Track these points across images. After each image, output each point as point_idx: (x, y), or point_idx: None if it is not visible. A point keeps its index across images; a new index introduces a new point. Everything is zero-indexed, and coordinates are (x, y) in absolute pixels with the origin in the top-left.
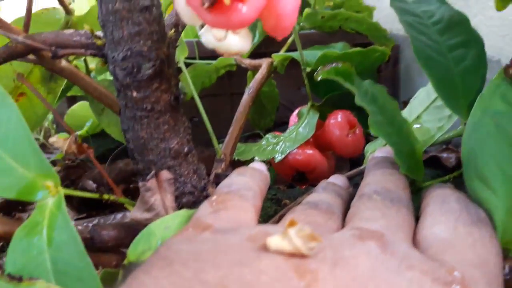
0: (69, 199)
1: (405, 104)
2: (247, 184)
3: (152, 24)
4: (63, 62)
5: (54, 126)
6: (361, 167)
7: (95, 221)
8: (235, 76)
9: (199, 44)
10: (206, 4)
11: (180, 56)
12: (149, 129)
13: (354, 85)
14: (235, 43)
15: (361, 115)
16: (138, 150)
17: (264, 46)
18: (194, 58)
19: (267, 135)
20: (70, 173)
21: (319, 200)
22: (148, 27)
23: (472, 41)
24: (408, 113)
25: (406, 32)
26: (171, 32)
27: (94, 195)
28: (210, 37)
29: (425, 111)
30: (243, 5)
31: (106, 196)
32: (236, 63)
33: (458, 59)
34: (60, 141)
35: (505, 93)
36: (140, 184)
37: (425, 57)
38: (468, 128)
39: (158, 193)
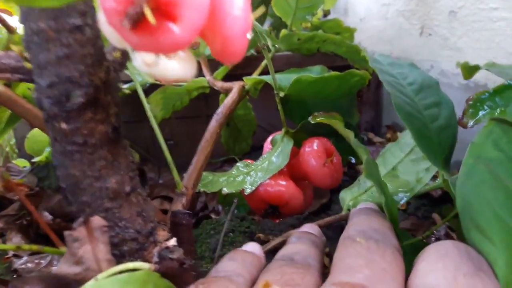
0: (25, 229)
1: (388, 128)
2: (237, 270)
3: (85, 46)
4: (0, 87)
5: (17, 150)
6: (340, 214)
7: (48, 258)
8: (211, 98)
9: None
10: (127, 24)
11: (149, 78)
12: (82, 165)
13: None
14: (172, 68)
15: (339, 142)
16: (70, 189)
17: (241, 67)
18: None
19: (237, 164)
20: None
21: (294, 252)
22: (79, 50)
23: (443, 103)
24: (382, 164)
25: (387, 89)
26: (116, 54)
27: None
28: (140, 61)
29: (400, 163)
30: (174, 25)
31: (25, 247)
32: (209, 85)
33: (432, 118)
34: None
35: (497, 140)
36: (66, 233)
37: (405, 113)
38: (461, 177)
39: (88, 243)
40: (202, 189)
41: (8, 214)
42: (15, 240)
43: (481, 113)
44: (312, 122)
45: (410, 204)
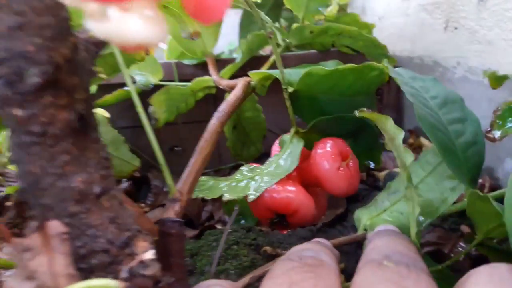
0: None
1: (410, 132)
2: None
3: (43, 15)
4: None
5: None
6: (356, 234)
7: None
8: (220, 101)
9: (179, 65)
10: None
11: (154, 78)
12: (41, 160)
13: None
14: (133, 27)
15: (356, 144)
16: (30, 190)
17: (250, 67)
18: (172, 81)
19: (241, 168)
20: (23, 209)
21: (303, 249)
22: (35, 19)
23: (468, 119)
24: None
25: (410, 99)
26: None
27: None
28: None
29: (421, 183)
30: None
31: None
32: (215, 85)
33: (458, 133)
34: None
35: None
36: (14, 241)
37: (429, 124)
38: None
39: (42, 254)
40: (200, 196)
41: (3, 222)
42: (6, 251)
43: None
44: (358, 116)
45: None
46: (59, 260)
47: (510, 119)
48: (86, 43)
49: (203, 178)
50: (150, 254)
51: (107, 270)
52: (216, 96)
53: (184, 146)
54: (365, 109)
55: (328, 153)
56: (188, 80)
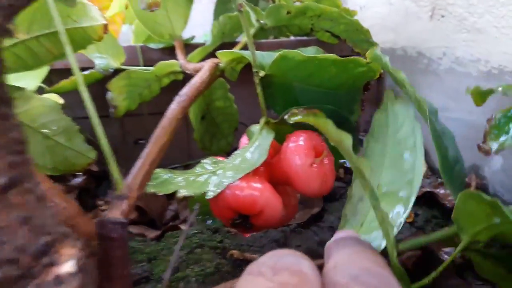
0: None
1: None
2: None
3: None
4: None
5: None
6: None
7: None
8: None
9: (145, 50)
10: None
11: (115, 62)
12: None
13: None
14: None
15: None
16: None
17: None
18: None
19: (203, 160)
20: None
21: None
22: None
23: (446, 133)
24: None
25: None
26: None
27: None
28: None
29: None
30: None
31: None
32: (182, 70)
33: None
34: None
35: None
36: None
37: (434, 129)
38: None
39: None
40: (151, 190)
41: None
42: None
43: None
44: (289, 122)
45: (419, 215)
46: None
47: (507, 128)
48: None
49: (157, 170)
50: (69, 266)
51: (16, 286)
52: (185, 84)
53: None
54: (296, 109)
55: (300, 148)
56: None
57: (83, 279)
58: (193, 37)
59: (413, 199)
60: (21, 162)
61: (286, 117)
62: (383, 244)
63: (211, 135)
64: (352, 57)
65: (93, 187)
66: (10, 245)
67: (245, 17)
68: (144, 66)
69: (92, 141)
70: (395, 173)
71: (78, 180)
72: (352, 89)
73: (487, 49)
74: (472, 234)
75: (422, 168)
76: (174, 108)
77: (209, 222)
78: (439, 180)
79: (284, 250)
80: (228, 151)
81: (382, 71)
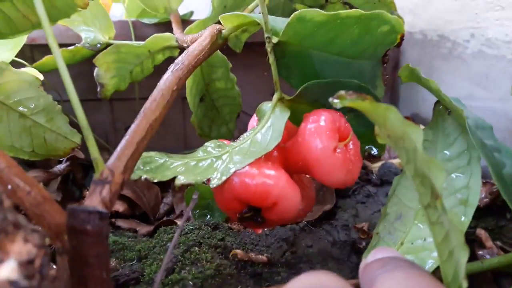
0: None
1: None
2: None
3: None
4: None
5: None
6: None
7: None
8: None
9: (138, 25)
10: None
11: (104, 36)
12: None
13: None
14: None
15: (357, 121)
16: None
17: None
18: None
19: (206, 144)
20: None
21: None
22: None
23: (503, 150)
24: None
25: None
26: None
27: None
28: None
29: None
30: None
31: None
32: (178, 45)
33: (500, 163)
34: None
35: None
36: None
37: (480, 142)
38: None
39: None
40: (143, 177)
41: None
42: None
43: None
44: (337, 107)
45: None
46: None
47: None
48: None
49: (152, 153)
50: (7, 269)
51: None
52: None
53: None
54: (345, 92)
55: (322, 129)
56: None
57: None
58: (191, 13)
59: (469, 220)
60: None
61: (331, 100)
62: (428, 266)
63: (210, 120)
64: (377, 11)
65: (80, 177)
66: None
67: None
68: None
69: (78, 125)
70: (443, 192)
71: (60, 167)
72: (374, 59)
73: None
74: None
75: (479, 188)
76: (168, 77)
77: (209, 217)
78: None
79: (319, 275)
80: (229, 139)
81: (404, 33)
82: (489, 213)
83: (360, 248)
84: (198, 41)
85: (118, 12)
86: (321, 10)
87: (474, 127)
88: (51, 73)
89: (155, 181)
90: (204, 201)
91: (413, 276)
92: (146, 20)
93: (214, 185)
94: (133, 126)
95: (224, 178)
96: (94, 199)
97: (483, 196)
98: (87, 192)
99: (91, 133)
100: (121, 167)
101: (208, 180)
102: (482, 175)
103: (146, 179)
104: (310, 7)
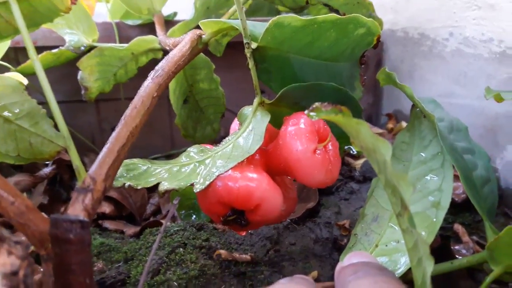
0: None
1: (389, 117)
2: None
3: None
4: None
5: None
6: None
7: None
8: None
9: (122, 26)
10: None
11: (87, 38)
12: None
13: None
14: None
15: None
16: None
17: None
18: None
19: (189, 149)
20: None
21: None
22: None
23: (476, 151)
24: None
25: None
26: None
27: None
28: None
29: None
30: None
31: None
32: (161, 47)
33: (472, 165)
34: None
35: None
36: None
37: (449, 146)
38: None
39: None
40: (126, 184)
41: None
42: None
43: None
44: (312, 118)
45: None
46: None
47: None
48: None
49: (134, 160)
50: None
51: None
52: None
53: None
54: (320, 104)
55: (302, 131)
56: None
57: None
58: (175, 14)
59: (440, 222)
60: None
61: (307, 112)
62: (401, 269)
63: (195, 121)
64: (353, 15)
65: (67, 178)
66: None
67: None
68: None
69: (70, 130)
70: (417, 194)
71: (47, 170)
72: (351, 61)
73: (501, 27)
74: (507, 265)
75: (450, 190)
76: (148, 85)
77: (194, 218)
78: None
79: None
80: (214, 139)
81: (380, 35)
82: (466, 208)
83: (341, 244)
84: (178, 47)
85: (103, 10)
86: (298, 16)
87: (449, 129)
88: (35, 75)
89: (139, 187)
90: (189, 201)
91: (380, 283)
92: (130, 22)
93: (198, 190)
94: (114, 134)
95: (207, 182)
96: (77, 207)
97: (461, 191)
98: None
99: (72, 142)
100: (103, 174)
101: (193, 184)
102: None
103: (129, 185)
104: (291, 8)
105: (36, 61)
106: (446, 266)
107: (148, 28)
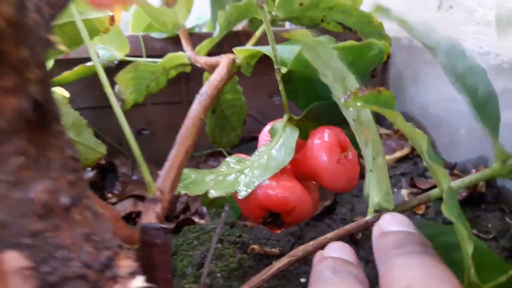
0: None
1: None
2: None
3: None
4: None
5: None
6: (365, 219)
7: None
8: (193, 80)
9: (147, 39)
10: None
11: (120, 53)
12: None
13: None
14: None
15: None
16: None
17: (227, 44)
18: (140, 57)
19: (227, 159)
20: None
21: None
22: None
23: (475, 70)
24: None
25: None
26: None
27: None
28: None
29: None
30: None
31: None
32: (190, 63)
33: (474, 86)
34: None
35: None
36: None
37: (453, 73)
38: None
39: None
40: (182, 192)
41: None
42: None
43: None
44: (347, 106)
45: (430, 207)
46: None
47: None
48: (40, 2)
49: (185, 170)
50: (140, 282)
51: None
52: (189, 74)
53: (153, 130)
54: (356, 90)
55: (326, 144)
56: (157, 56)
57: None
58: (196, 26)
59: None
60: (78, 179)
61: (343, 100)
62: None
63: (221, 128)
64: (367, 41)
65: (99, 179)
66: (77, 261)
67: (265, 14)
68: (147, 56)
69: (98, 134)
70: None
71: (89, 175)
72: (364, 75)
73: (497, 42)
74: None
75: None
76: (196, 108)
77: (223, 215)
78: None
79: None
80: (236, 143)
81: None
82: (467, 204)
83: (357, 239)
84: (217, 71)
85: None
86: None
87: (446, 52)
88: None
89: (193, 195)
90: (219, 200)
91: (429, 267)
92: (155, 35)
93: (242, 197)
94: (173, 151)
95: (249, 191)
96: (150, 215)
97: (461, 191)
98: (108, 194)
99: (143, 162)
100: (168, 187)
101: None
102: (462, 168)
103: (185, 194)
104: (307, 26)
105: (102, 74)
106: None
107: (172, 40)
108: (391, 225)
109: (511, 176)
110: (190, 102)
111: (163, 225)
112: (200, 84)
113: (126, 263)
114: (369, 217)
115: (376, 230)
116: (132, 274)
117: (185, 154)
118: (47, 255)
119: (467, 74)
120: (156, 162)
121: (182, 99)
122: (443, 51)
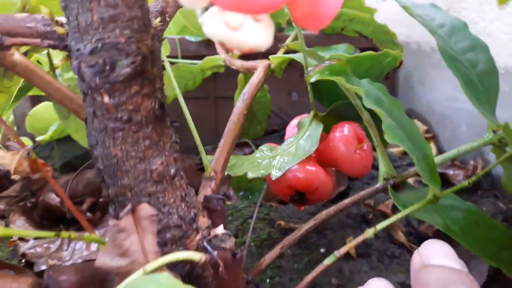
0: (29, 211)
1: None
2: None
3: (133, 7)
4: (16, 55)
5: (15, 128)
6: (373, 187)
7: (57, 243)
8: (220, 79)
9: (182, 41)
10: None
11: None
12: (125, 145)
13: (355, 85)
14: (254, 34)
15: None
16: (110, 171)
17: None
18: (175, 58)
19: (261, 147)
20: (31, 182)
21: None
22: (127, 11)
23: (477, 46)
24: None
25: (423, 25)
26: (156, 21)
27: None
28: (219, 24)
29: None
30: None
31: (64, 235)
32: (225, 65)
33: (472, 63)
34: (7, 156)
35: None
36: (111, 223)
37: (449, 56)
38: None
39: (135, 234)
40: (226, 173)
41: (10, 195)
42: (18, 223)
43: None
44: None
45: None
46: (148, 239)
47: None
48: (156, 32)
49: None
50: (221, 229)
51: (178, 243)
52: (215, 73)
53: (181, 122)
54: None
55: (346, 137)
56: (191, 57)
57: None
58: None
59: None
60: (178, 157)
61: (305, 76)
62: None
63: (249, 121)
64: (384, 50)
65: None
66: (176, 215)
67: (300, 29)
68: (182, 57)
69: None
70: None
71: None
72: (379, 78)
73: (496, 51)
74: None
75: None
76: (240, 106)
77: (250, 197)
78: (449, 162)
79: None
80: (261, 135)
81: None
82: (465, 191)
83: (368, 219)
84: (256, 74)
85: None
86: (345, 54)
87: (449, 33)
88: None
89: (234, 175)
90: (246, 184)
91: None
92: (191, 38)
93: (274, 178)
94: (223, 140)
95: (281, 173)
96: (207, 189)
97: (460, 178)
98: None
99: (202, 148)
100: (220, 168)
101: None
102: (461, 160)
103: (228, 174)
104: (328, 35)
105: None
106: None
107: (205, 43)
108: (435, 258)
109: (500, 144)
110: (216, 98)
111: (221, 196)
112: (224, 82)
113: (204, 220)
114: (379, 184)
115: (416, 259)
116: (208, 228)
117: (232, 142)
118: (156, 210)
119: (470, 50)
120: (184, 150)
121: (209, 95)
122: (447, 29)
